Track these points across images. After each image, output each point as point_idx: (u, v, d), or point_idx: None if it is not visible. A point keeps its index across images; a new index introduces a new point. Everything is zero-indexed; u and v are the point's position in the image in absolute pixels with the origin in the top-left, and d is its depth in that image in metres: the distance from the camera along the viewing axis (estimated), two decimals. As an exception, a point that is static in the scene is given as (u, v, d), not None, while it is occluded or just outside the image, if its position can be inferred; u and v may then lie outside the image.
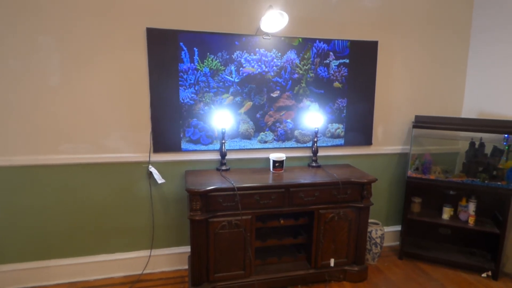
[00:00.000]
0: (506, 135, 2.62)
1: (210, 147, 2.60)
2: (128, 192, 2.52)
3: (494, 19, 2.81)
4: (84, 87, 2.31)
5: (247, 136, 2.66)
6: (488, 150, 2.72)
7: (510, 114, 2.69)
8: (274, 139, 2.72)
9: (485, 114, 2.91)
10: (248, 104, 2.55)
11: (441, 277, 2.67)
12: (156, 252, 2.65)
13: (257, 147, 2.70)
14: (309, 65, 2.67)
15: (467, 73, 3.08)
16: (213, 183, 2.23)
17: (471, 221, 2.70)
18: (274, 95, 2.65)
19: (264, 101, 2.64)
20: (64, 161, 2.35)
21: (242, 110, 2.58)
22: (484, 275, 2.68)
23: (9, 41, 2.15)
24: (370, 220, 2.83)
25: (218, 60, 2.49)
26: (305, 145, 2.80)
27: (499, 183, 2.59)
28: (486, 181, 2.63)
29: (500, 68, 2.78)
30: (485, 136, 2.69)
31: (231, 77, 2.54)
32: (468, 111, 3.08)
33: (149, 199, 2.57)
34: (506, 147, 2.62)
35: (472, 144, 2.76)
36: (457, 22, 2.97)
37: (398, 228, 3.15)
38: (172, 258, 2.68)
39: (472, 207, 2.73)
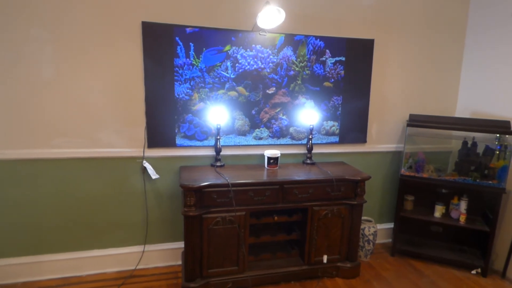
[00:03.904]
0: (497, 135, 2.65)
1: (205, 143, 2.59)
2: (122, 187, 2.51)
3: (489, 20, 2.84)
4: (78, 80, 2.29)
5: (242, 133, 2.66)
6: (480, 149, 2.75)
7: (503, 114, 2.72)
8: (269, 136, 2.73)
9: (478, 114, 2.94)
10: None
11: (432, 273, 2.71)
12: (150, 247, 2.64)
13: (252, 144, 2.70)
14: (305, 62, 2.67)
15: (462, 73, 3.11)
16: (207, 179, 2.23)
17: (462, 219, 2.74)
18: (270, 91, 2.65)
19: (260, 97, 2.64)
20: (58, 155, 2.33)
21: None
22: (474, 272, 2.72)
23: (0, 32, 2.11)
24: (363, 217, 2.85)
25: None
26: (300, 142, 2.81)
27: (490, 182, 2.62)
28: (477, 180, 2.66)
29: (494, 68, 2.80)
30: (477, 135, 2.72)
31: (227, 73, 2.53)
32: (462, 111, 3.11)
33: (143, 195, 2.56)
34: (498, 146, 2.66)
35: (464, 143, 2.79)
36: (452, 22, 2.99)
37: (390, 225, 3.18)
38: (165, 253, 2.68)
39: (463, 205, 2.76)
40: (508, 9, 2.66)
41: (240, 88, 2.52)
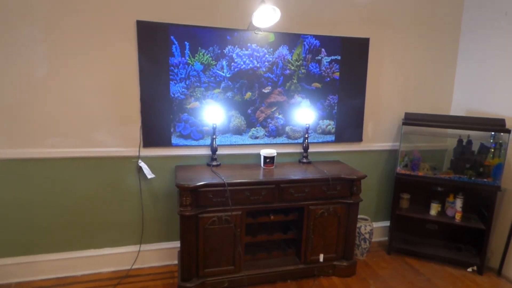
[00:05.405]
0: (492, 133, 2.67)
1: (201, 142, 2.58)
2: (117, 187, 2.49)
3: (484, 19, 2.85)
4: (72, 79, 2.27)
5: (238, 132, 2.66)
6: (475, 147, 2.76)
7: (497, 112, 2.73)
8: (265, 135, 2.72)
9: (473, 112, 2.95)
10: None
11: (428, 271, 2.72)
12: (145, 247, 2.63)
13: (248, 143, 2.70)
14: (300, 61, 2.67)
15: (457, 71, 3.12)
16: (203, 179, 2.22)
17: (458, 217, 2.75)
18: (266, 90, 2.65)
19: (256, 96, 2.63)
20: (52, 155, 2.31)
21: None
22: (469, 269, 2.73)
23: (-6, 31, 2.09)
24: (359, 216, 2.86)
25: (209, 55, 2.47)
26: (296, 141, 2.81)
27: (485, 179, 2.63)
28: (472, 178, 2.67)
29: (489, 67, 2.82)
30: (472, 133, 2.73)
31: (223, 72, 2.52)
32: (457, 109, 3.12)
33: (139, 194, 2.54)
34: (492, 144, 2.67)
35: (460, 141, 2.80)
36: (447, 21, 3.00)
37: (386, 223, 3.19)
38: (161, 253, 2.67)
39: (459, 203, 2.77)
40: (502, 7, 2.67)
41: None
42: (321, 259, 2.53)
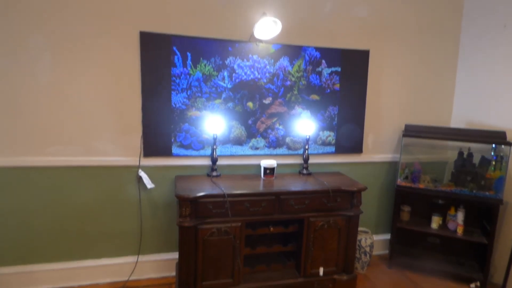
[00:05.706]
0: (494, 145, 2.66)
1: (201, 152, 2.58)
2: (117, 197, 2.48)
3: (483, 31, 2.87)
4: (75, 88, 2.28)
5: (238, 142, 2.66)
6: (476, 160, 2.75)
7: (498, 124, 2.73)
8: (266, 146, 2.72)
9: (474, 124, 2.95)
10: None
11: (429, 286, 2.67)
12: (143, 258, 2.60)
13: (249, 154, 2.69)
14: (301, 72, 2.69)
15: (456, 83, 3.13)
16: (203, 189, 2.21)
17: (460, 230, 2.72)
18: (266, 101, 2.66)
19: (256, 107, 2.64)
20: (52, 163, 2.31)
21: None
22: (472, 285, 2.68)
23: (-2, 41, 2.12)
24: (359, 229, 2.83)
25: (211, 66, 2.49)
26: (296, 152, 2.80)
27: (487, 192, 2.61)
28: (474, 191, 2.65)
29: (489, 78, 2.83)
30: (473, 146, 2.73)
31: (224, 83, 2.54)
32: (457, 121, 3.12)
33: (138, 204, 2.53)
34: (494, 157, 2.66)
35: (460, 153, 2.79)
36: (447, 32, 3.03)
37: (387, 236, 3.16)
38: (159, 264, 2.64)
39: (460, 216, 2.74)
40: (501, 19, 2.70)
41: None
42: (321, 273, 2.50)
